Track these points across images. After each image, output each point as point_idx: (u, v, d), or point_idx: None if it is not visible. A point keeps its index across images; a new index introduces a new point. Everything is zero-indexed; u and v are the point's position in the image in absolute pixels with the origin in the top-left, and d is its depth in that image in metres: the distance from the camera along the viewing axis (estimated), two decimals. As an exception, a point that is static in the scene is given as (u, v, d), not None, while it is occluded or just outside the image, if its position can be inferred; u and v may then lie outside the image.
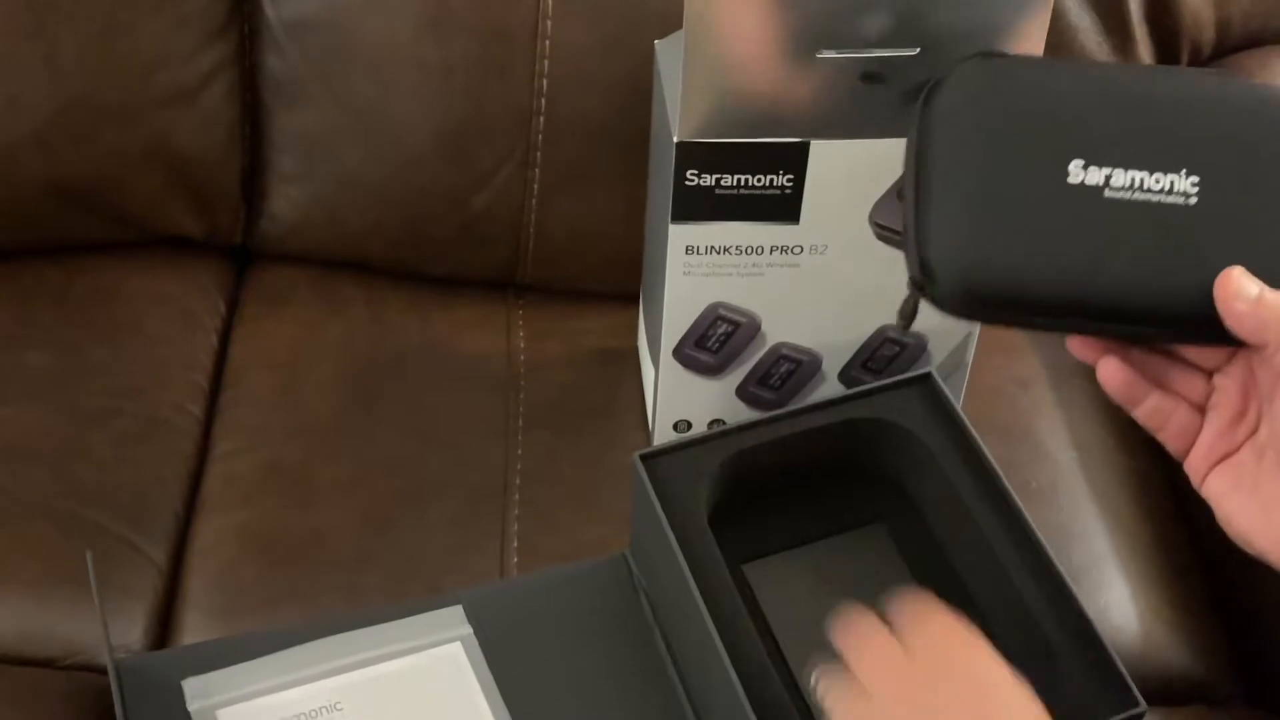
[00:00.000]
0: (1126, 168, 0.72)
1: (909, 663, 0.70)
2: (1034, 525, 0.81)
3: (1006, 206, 0.72)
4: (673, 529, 0.81)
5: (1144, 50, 1.12)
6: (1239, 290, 0.70)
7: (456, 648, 0.85)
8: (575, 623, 0.86)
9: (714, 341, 0.96)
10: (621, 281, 1.08)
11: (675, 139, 0.86)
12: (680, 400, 0.99)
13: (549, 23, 1.04)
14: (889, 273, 0.93)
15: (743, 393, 0.99)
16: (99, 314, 1.08)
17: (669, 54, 0.91)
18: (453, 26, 1.05)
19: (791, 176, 0.88)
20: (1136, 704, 0.77)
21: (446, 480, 1.01)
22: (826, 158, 0.88)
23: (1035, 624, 0.80)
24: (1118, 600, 0.97)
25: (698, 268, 0.92)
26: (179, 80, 1.06)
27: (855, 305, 0.95)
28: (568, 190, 1.09)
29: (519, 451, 1.03)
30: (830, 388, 1.00)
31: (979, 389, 1.02)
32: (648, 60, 0.94)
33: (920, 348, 0.98)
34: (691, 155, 0.87)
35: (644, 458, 0.84)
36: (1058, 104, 0.74)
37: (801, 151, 0.87)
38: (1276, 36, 1.19)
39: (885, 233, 0.92)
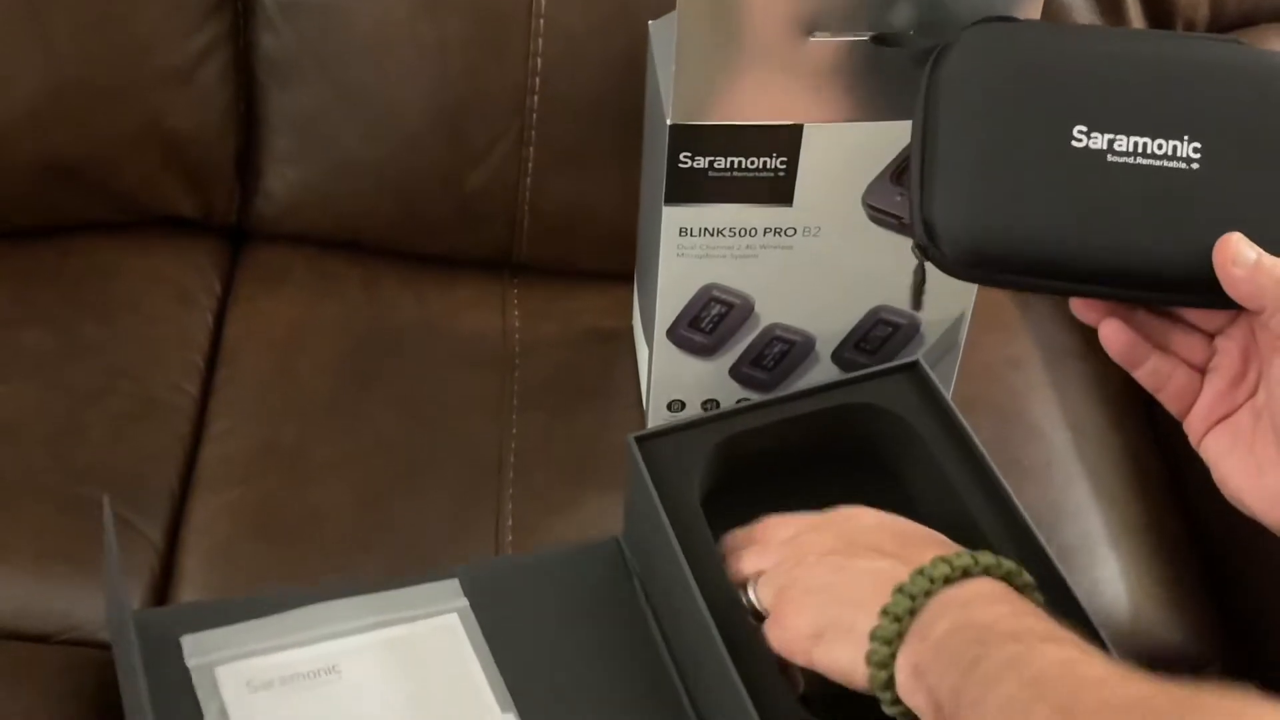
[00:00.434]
0: (1129, 133, 0.73)
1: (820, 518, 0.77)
2: (1022, 509, 0.82)
3: (1011, 170, 0.74)
4: (666, 511, 0.81)
5: (1138, 26, 1.12)
6: (1237, 255, 0.71)
7: (454, 618, 0.85)
8: (569, 602, 0.87)
9: (708, 322, 0.97)
10: (616, 260, 1.08)
11: (668, 121, 0.86)
12: (674, 380, 1.00)
13: (543, 2, 1.04)
14: (882, 255, 0.93)
15: (736, 373, 1.00)
16: (94, 293, 1.08)
17: (662, 35, 0.91)
18: (447, 6, 1.05)
19: (785, 159, 0.88)
20: None
21: (442, 459, 1.01)
22: (820, 140, 0.88)
23: None
24: (1109, 577, 0.98)
25: (691, 249, 0.92)
26: (173, 60, 1.06)
27: (848, 287, 0.96)
28: (562, 169, 1.09)
29: (514, 430, 1.03)
30: (823, 369, 1.00)
31: (972, 369, 1.03)
32: (642, 40, 0.94)
33: (913, 329, 0.98)
34: (685, 138, 0.87)
35: (639, 440, 0.85)
36: (1063, 69, 0.76)
37: (795, 134, 0.87)
38: (1271, 14, 1.19)
39: (879, 215, 0.92)
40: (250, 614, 0.84)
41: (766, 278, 0.94)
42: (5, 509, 0.95)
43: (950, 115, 0.75)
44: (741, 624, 0.77)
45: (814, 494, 0.81)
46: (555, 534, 0.96)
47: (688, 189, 0.89)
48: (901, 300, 0.96)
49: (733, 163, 0.88)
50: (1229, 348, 0.74)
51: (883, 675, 0.69)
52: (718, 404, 1.01)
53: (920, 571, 0.69)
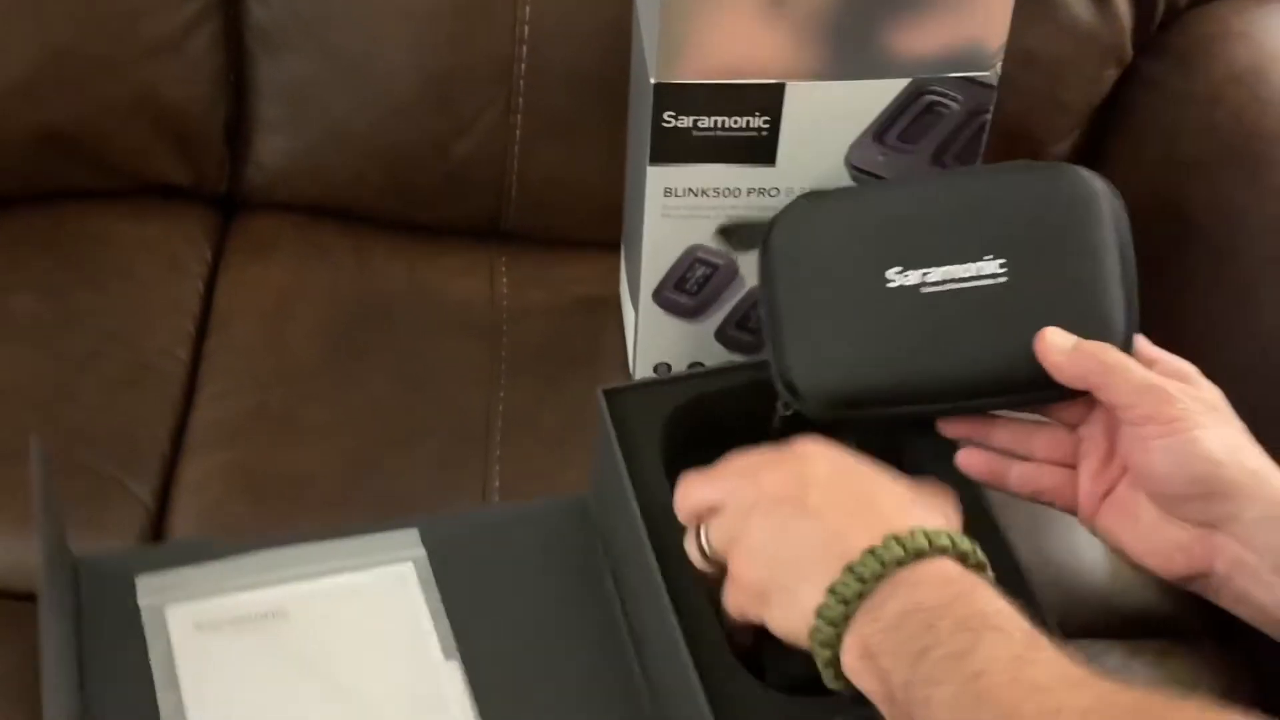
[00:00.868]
0: (937, 264, 0.83)
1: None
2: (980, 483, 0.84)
3: (844, 319, 0.83)
4: (627, 465, 0.82)
5: (1121, 3, 1.13)
6: (1056, 344, 0.79)
7: (408, 567, 0.86)
8: (528, 557, 0.88)
9: (693, 284, 0.98)
10: (604, 229, 1.09)
11: (652, 80, 0.87)
12: (660, 343, 1.01)
13: (531, -28, 1.05)
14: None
15: (722, 335, 1.01)
16: (87, 260, 1.09)
17: (647, -3, 0.92)
18: (436, -25, 1.06)
19: (768, 119, 0.90)
20: None
21: (430, 424, 1.02)
22: (802, 100, 0.89)
23: None
24: (1086, 540, 0.97)
25: (676, 210, 0.93)
26: (164, 29, 1.07)
27: (831, 248, 0.97)
28: (550, 138, 1.10)
29: (501, 395, 1.04)
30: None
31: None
32: (629, 8, 0.95)
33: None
34: (669, 96, 0.88)
35: (608, 393, 0.86)
36: (871, 223, 0.85)
37: (777, 93, 0.88)
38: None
39: (861, 175, 0.93)
40: (207, 557, 0.85)
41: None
42: (-2, 469, 0.96)
43: (785, 283, 0.84)
44: (688, 577, 0.78)
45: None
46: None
47: (672, 149, 0.90)
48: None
49: (716, 122, 0.89)
50: (1092, 433, 0.80)
51: (826, 653, 0.68)
52: (704, 367, 1.02)
53: (872, 552, 0.68)
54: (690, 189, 0.92)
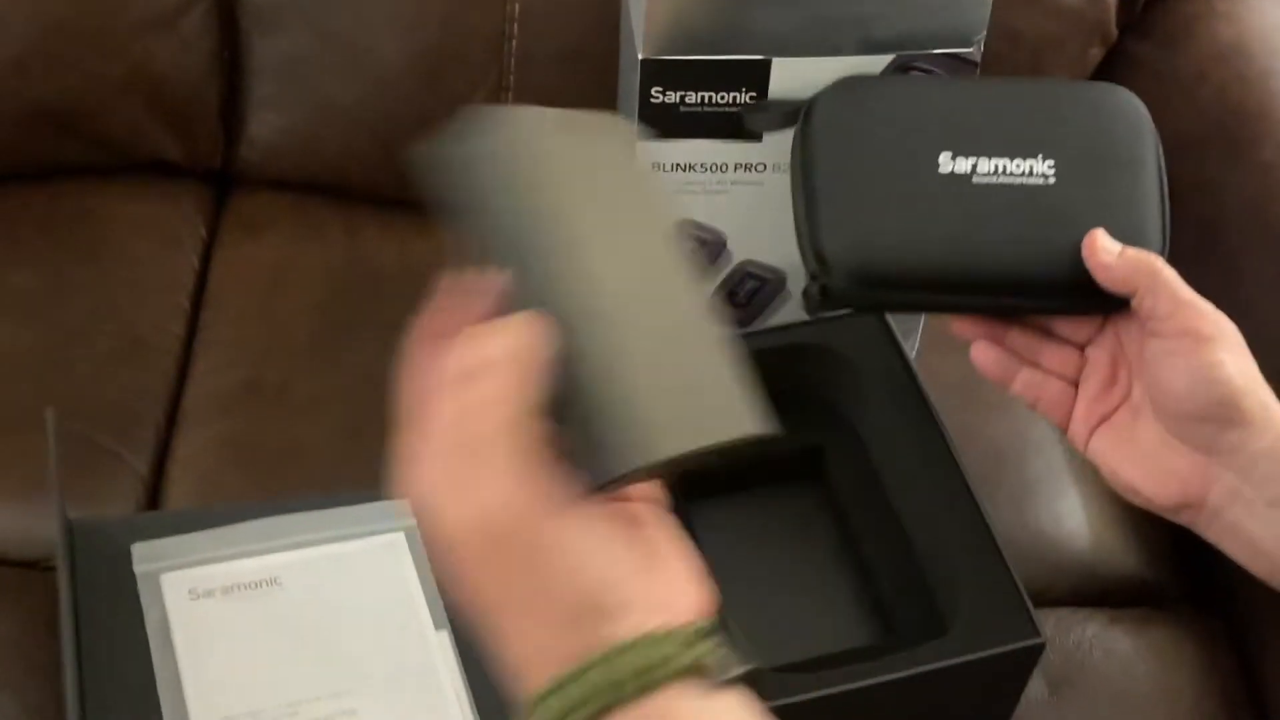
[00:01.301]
0: (990, 155, 0.82)
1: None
2: (960, 455, 0.86)
3: (887, 198, 0.82)
4: None
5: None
6: (1104, 246, 0.79)
7: (400, 536, 0.88)
8: None
9: (681, 259, 0.98)
10: (594, 206, 1.10)
11: (639, 56, 0.88)
12: (649, 317, 1.02)
13: (522, -50, 1.06)
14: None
15: (710, 310, 1.02)
16: (82, 236, 1.10)
17: (636, -26, 0.93)
18: (427, -47, 1.07)
19: (754, 94, 0.91)
20: (1037, 634, 0.81)
21: (422, 399, 1.03)
22: (788, 75, 0.90)
23: (948, 549, 0.84)
24: (1070, 509, 1.00)
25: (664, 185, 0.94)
26: (158, 7, 1.08)
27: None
28: (540, 115, 1.11)
29: (492, 369, 1.05)
30: (796, 306, 1.02)
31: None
32: (618, -11, 0.96)
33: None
34: (656, 72, 0.89)
35: None
36: (920, 110, 0.84)
37: (763, 69, 0.90)
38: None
39: (847, 151, 0.94)
40: (203, 525, 0.87)
41: (738, 214, 0.96)
42: (-7, 440, 0.97)
43: (827, 158, 0.83)
44: None
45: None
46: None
47: (659, 124, 0.91)
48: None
49: (703, 97, 0.90)
50: (1098, 356, 0.80)
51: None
52: (692, 341, 1.03)
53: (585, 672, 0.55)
54: (678, 164, 0.93)
